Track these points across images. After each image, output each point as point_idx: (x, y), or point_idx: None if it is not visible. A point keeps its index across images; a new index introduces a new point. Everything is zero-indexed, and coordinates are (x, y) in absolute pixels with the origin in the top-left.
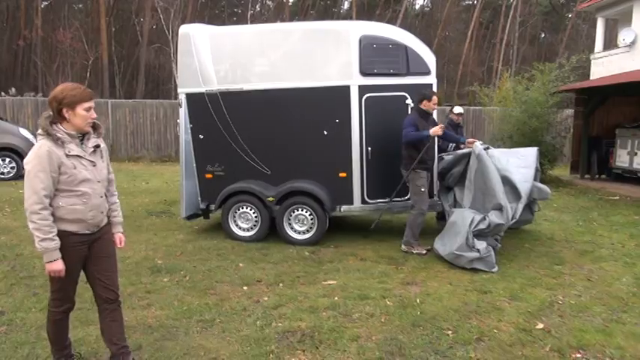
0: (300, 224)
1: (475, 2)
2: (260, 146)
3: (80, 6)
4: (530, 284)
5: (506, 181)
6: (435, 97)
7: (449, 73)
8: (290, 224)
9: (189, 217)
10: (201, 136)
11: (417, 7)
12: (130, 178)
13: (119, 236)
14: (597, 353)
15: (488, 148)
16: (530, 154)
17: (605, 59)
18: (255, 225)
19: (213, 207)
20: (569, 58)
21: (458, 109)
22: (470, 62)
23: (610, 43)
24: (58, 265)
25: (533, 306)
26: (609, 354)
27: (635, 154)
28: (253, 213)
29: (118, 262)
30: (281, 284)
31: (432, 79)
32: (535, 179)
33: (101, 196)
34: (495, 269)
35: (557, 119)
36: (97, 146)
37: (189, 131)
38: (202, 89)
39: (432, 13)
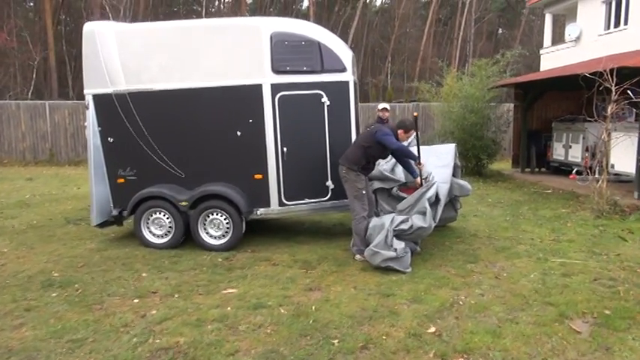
0: (215, 229)
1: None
2: (173, 149)
3: (31, 4)
4: (437, 285)
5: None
6: (411, 132)
7: (407, 69)
8: (205, 229)
9: (102, 225)
10: (111, 140)
11: (378, 3)
12: (62, 183)
13: None
14: (480, 357)
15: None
16: (448, 151)
17: (554, 54)
18: (169, 231)
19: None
20: (503, 54)
21: (382, 105)
22: (429, 58)
23: (560, 38)
24: None
25: (432, 308)
26: (492, 357)
27: (570, 147)
28: (167, 218)
29: (10, 277)
30: (177, 295)
31: (347, 76)
32: (455, 176)
33: None
34: (409, 270)
35: (496, 114)
36: None
37: (98, 134)
38: (110, 90)
39: (392, 9)
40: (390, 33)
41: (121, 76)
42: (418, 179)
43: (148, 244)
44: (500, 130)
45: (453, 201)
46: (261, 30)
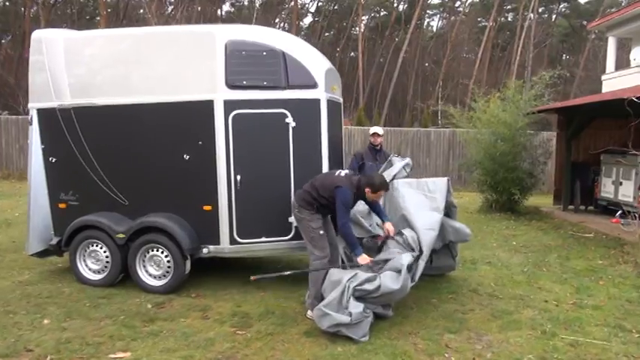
0: (155, 267)
1: (488, 24)
2: (116, 172)
3: None
4: None
5: (407, 224)
6: (380, 193)
7: (460, 94)
8: (145, 267)
9: (41, 255)
10: (53, 160)
11: (435, 28)
12: None
13: None
14: None
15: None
16: (438, 189)
17: (617, 80)
18: (106, 267)
19: None
20: (541, 76)
21: (373, 129)
22: (483, 83)
23: (627, 63)
24: None
25: None
26: None
27: (621, 183)
28: (104, 252)
29: None
30: (50, 357)
31: (319, 94)
32: (450, 217)
33: None
34: (365, 339)
35: (532, 143)
36: None
37: (41, 153)
38: (54, 104)
39: (446, 34)
40: (442, 57)
41: (66, 89)
42: (388, 225)
43: (82, 280)
44: (539, 161)
45: (450, 247)
46: (214, 37)
